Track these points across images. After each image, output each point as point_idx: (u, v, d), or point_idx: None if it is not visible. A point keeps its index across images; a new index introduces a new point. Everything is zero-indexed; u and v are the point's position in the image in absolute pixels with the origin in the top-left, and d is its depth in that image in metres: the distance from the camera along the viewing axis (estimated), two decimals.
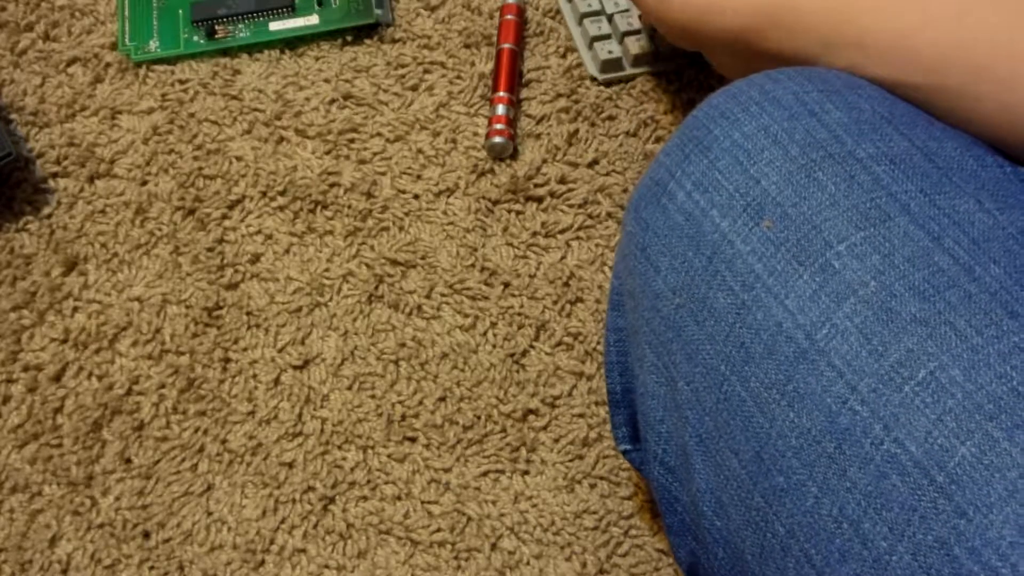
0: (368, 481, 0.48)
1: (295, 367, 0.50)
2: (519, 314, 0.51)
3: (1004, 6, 0.33)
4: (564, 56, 0.55)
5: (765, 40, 0.39)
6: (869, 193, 0.30)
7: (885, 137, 0.32)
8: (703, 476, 0.32)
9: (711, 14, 0.42)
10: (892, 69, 0.34)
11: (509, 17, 0.54)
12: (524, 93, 0.54)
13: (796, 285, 0.30)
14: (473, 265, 0.51)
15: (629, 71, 0.54)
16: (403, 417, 0.49)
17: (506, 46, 0.54)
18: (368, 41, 0.56)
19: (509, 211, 0.52)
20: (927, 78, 0.34)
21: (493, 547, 0.48)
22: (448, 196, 0.53)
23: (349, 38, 0.56)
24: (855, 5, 0.36)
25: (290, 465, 0.49)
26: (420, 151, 0.53)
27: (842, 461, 0.27)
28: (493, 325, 0.50)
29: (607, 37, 0.54)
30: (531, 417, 0.49)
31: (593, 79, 0.55)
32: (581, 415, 0.49)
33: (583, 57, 0.55)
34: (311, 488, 0.48)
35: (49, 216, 0.52)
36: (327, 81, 0.55)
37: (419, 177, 0.53)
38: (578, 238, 0.52)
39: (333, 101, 0.54)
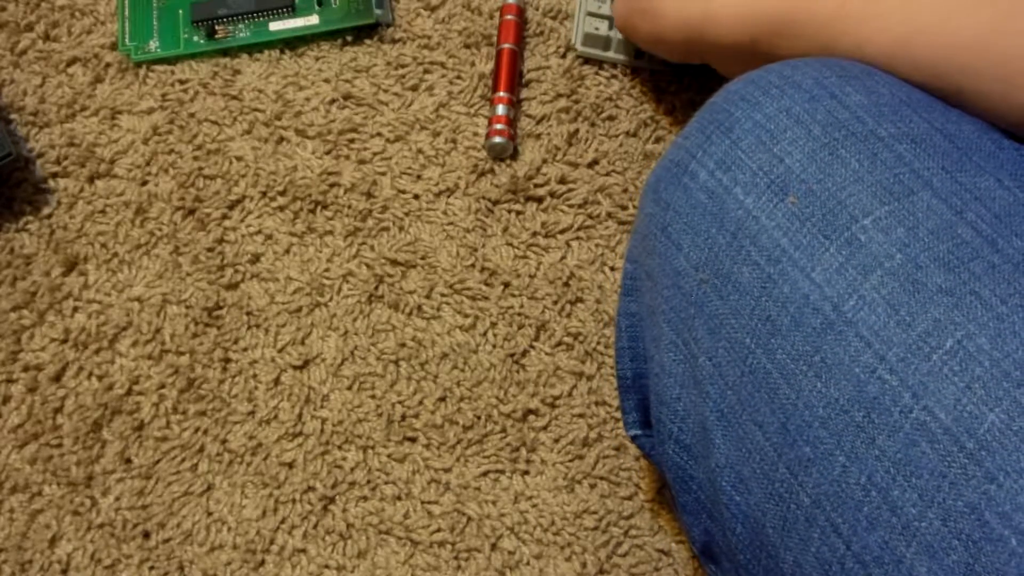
0: (368, 481, 0.48)
1: (295, 367, 0.50)
2: (519, 314, 0.51)
3: (988, 8, 0.33)
4: (564, 56, 0.55)
5: (765, 48, 0.40)
6: (892, 169, 0.31)
7: (905, 118, 0.32)
8: (723, 451, 0.33)
9: (707, 27, 0.42)
10: (895, 72, 0.35)
11: (509, 17, 0.54)
12: (524, 93, 0.54)
13: (823, 258, 0.30)
14: (473, 265, 0.51)
15: (611, 55, 0.54)
16: (403, 417, 0.49)
17: (506, 46, 0.54)
18: (368, 41, 0.56)
19: (509, 211, 0.52)
20: (929, 81, 0.34)
21: (493, 547, 0.48)
22: (448, 196, 0.53)
23: (349, 38, 0.56)
24: (850, 16, 0.36)
25: (290, 465, 0.49)
26: (420, 151, 0.53)
27: (871, 429, 0.28)
28: (493, 325, 0.50)
29: (604, 17, 0.54)
30: (531, 417, 0.49)
31: (571, 48, 0.55)
32: (581, 415, 0.49)
33: (574, 26, 0.55)
34: (311, 488, 0.48)
35: (49, 216, 0.52)
36: (327, 81, 0.55)
37: (419, 177, 0.53)
38: (578, 238, 0.52)
39: (333, 101, 0.54)
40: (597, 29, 0.54)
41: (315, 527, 0.48)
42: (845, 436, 0.28)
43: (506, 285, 0.51)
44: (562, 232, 0.52)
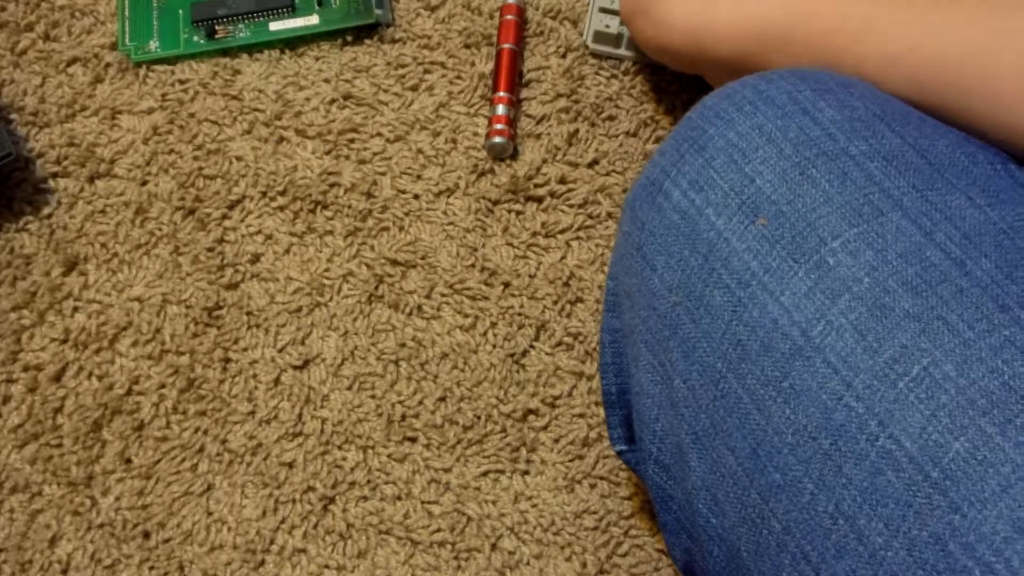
0: (368, 481, 0.48)
1: (295, 367, 0.50)
2: (519, 314, 0.51)
3: (978, 26, 0.33)
4: (564, 56, 0.55)
5: (764, 63, 0.40)
6: (862, 189, 0.30)
7: (878, 134, 0.32)
8: (698, 474, 0.33)
9: (707, 41, 0.42)
10: (890, 88, 0.35)
11: (509, 17, 0.54)
12: (524, 93, 0.54)
13: (791, 282, 0.30)
14: (473, 265, 0.51)
15: (622, 51, 0.54)
16: (403, 417, 0.49)
17: (506, 46, 0.54)
18: (368, 41, 0.56)
19: (509, 211, 0.52)
20: (922, 97, 0.34)
21: (493, 547, 0.48)
22: (448, 196, 0.53)
23: (349, 38, 0.56)
24: (850, 32, 0.36)
25: (290, 465, 0.49)
26: (420, 151, 0.53)
27: (838, 457, 0.27)
28: (493, 325, 0.50)
29: (614, 13, 0.54)
30: (531, 417, 0.49)
31: (583, 46, 0.55)
32: (581, 415, 0.49)
33: (586, 24, 0.55)
34: (311, 488, 0.48)
35: (49, 216, 0.52)
36: (327, 81, 0.55)
37: (419, 177, 0.53)
38: (578, 238, 0.52)
39: (333, 101, 0.54)
40: (608, 27, 0.54)
41: (315, 527, 0.48)
42: (813, 463, 0.28)
43: (506, 285, 0.51)
44: (562, 232, 0.52)
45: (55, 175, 0.53)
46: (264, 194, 0.53)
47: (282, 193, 0.52)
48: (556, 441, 0.49)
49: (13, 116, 0.54)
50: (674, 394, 0.34)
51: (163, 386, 0.50)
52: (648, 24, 0.46)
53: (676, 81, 0.55)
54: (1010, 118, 0.33)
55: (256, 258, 0.52)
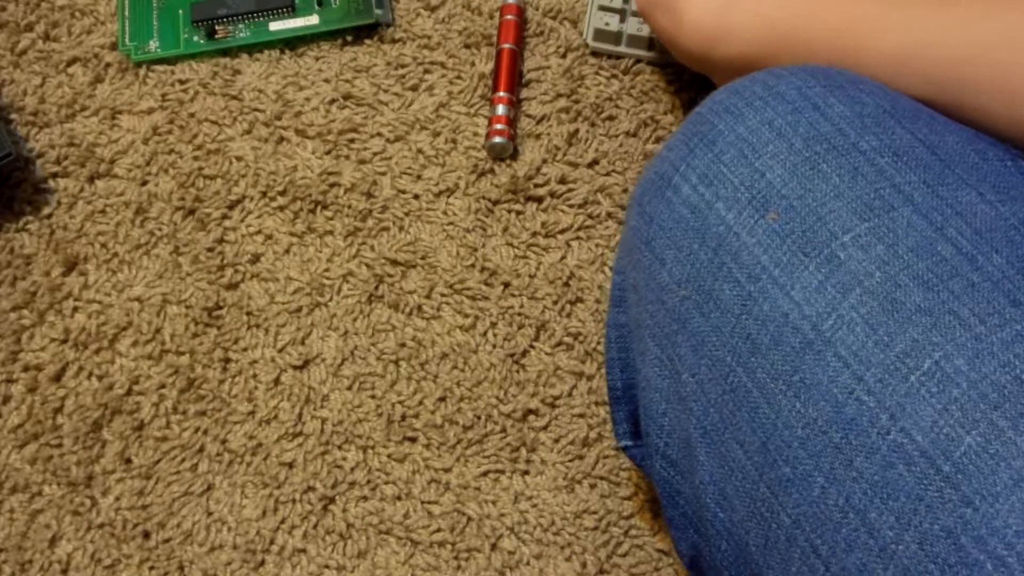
0: (368, 481, 0.48)
1: (295, 367, 0.50)
2: (519, 314, 0.51)
3: (992, 22, 0.33)
4: (564, 56, 0.55)
5: (773, 65, 0.40)
6: (873, 184, 0.30)
7: (888, 130, 0.32)
8: (707, 468, 0.33)
9: (719, 42, 0.43)
10: (900, 86, 0.35)
11: (509, 17, 0.54)
12: (524, 93, 0.54)
13: (802, 276, 0.30)
14: (473, 265, 0.51)
15: (623, 49, 0.55)
16: (403, 417, 0.49)
17: (506, 46, 0.54)
18: (368, 41, 0.56)
19: (509, 211, 0.52)
20: (933, 95, 0.34)
21: (493, 547, 0.48)
22: (448, 196, 0.53)
23: (349, 38, 0.56)
24: (858, 31, 0.36)
25: (290, 465, 0.49)
26: (420, 151, 0.53)
27: (848, 451, 0.27)
28: (493, 325, 0.50)
29: (615, 11, 0.54)
30: (531, 417, 0.49)
31: (585, 46, 0.55)
32: (581, 415, 0.49)
33: (587, 22, 0.55)
34: (311, 488, 0.48)
35: (49, 216, 0.52)
36: (327, 81, 0.55)
37: (419, 177, 0.53)
38: (578, 238, 0.52)
39: (333, 101, 0.54)
40: (607, 24, 0.54)
41: (315, 527, 0.48)
42: (823, 457, 0.28)
43: (506, 285, 0.51)
44: (562, 232, 0.52)
45: (55, 175, 0.53)
46: (264, 194, 0.53)
47: (282, 193, 0.52)
48: (556, 441, 0.49)
49: (13, 116, 0.54)
50: (682, 388, 0.34)
51: (163, 386, 0.50)
52: (664, 17, 0.46)
53: (676, 81, 0.55)
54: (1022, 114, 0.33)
55: (256, 258, 0.52)
